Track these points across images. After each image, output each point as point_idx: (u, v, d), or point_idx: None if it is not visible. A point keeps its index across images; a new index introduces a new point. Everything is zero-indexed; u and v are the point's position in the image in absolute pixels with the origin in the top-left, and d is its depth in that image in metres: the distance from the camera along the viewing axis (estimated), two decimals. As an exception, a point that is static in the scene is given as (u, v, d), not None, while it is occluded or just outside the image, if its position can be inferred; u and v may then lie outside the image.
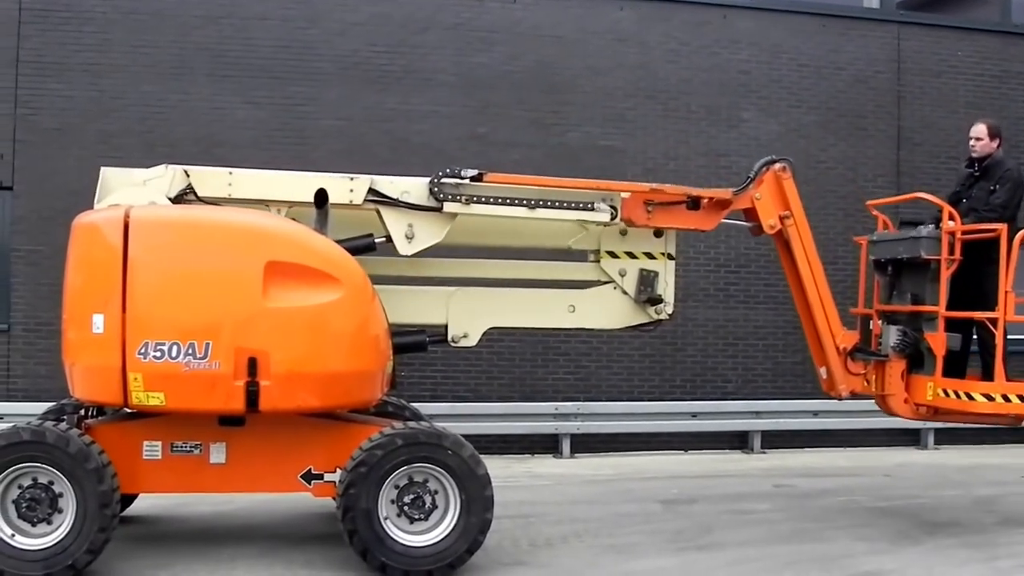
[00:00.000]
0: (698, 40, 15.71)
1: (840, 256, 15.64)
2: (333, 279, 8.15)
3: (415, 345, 9.57)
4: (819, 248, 15.31)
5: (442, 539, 8.32)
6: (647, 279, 9.74)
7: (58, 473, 7.85)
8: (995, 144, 10.44)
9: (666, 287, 9.83)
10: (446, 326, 9.53)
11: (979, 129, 10.48)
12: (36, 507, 7.89)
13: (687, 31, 15.68)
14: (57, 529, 7.90)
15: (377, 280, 8.76)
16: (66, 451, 7.81)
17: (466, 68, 14.90)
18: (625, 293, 9.80)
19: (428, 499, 8.36)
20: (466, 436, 8.63)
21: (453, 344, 9.61)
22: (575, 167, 13.99)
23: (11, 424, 8.22)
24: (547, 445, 14.97)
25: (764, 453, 15.41)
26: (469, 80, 14.89)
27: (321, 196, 8.56)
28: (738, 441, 15.68)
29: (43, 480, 7.89)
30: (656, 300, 9.80)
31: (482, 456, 8.54)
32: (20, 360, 13.65)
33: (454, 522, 8.34)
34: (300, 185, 8.88)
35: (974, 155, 10.51)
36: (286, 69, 14.37)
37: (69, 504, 7.88)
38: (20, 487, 7.91)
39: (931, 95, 16.50)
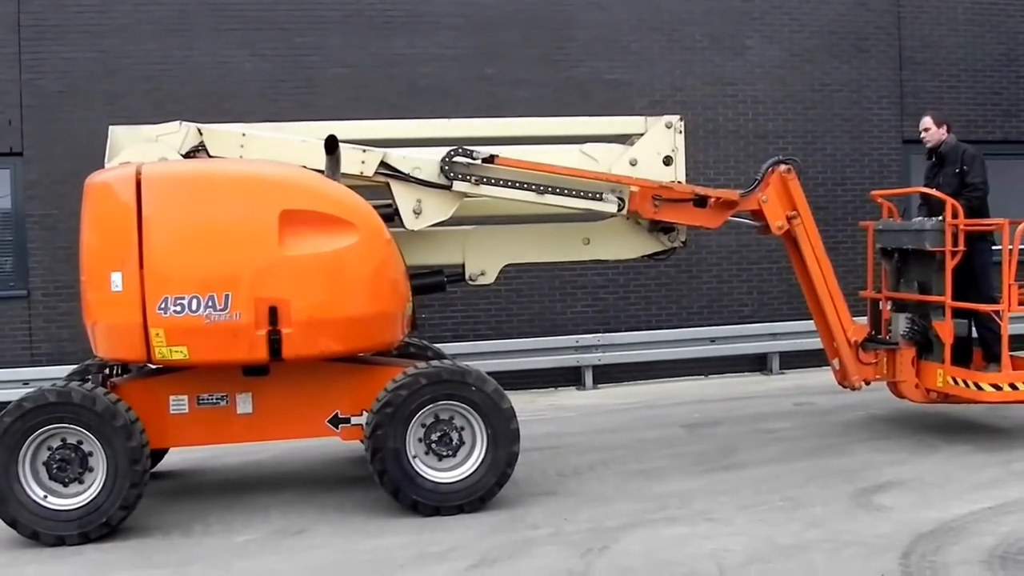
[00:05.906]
0: (698, -32, 15.59)
1: (848, 177, 15.71)
2: (348, 224, 8.18)
3: (434, 285, 9.67)
4: (828, 170, 15.49)
5: (471, 474, 8.45)
6: (659, 207, 9.74)
7: (86, 432, 7.95)
8: (943, 131, 10.88)
9: (677, 215, 9.85)
10: (463, 265, 9.64)
11: (925, 121, 11.01)
12: (67, 467, 8.00)
13: (687, -41, 15.54)
14: (89, 488, 8.01)
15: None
16: (93, 410, 7.90)
17: (471, 9, 14.79)
18: (638, 223, 9.83)
19: (455, 436, 8.48)
20: (489, 373, 8.72)
21: (471, 283, 9.73)
22: (583, 103, 14.01)
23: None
24: (570, 378, 15.07)
25: (783, 373, 15.49)
26: (474, 21, 14.78)
27: (332, 143, 8.54)
28: (757, 363, 15.75)
29: (72, 440, 7.99)
30: (669, 228, 9.85)
31: (507, 392, 8.63)
32: (42, 325, 13.71)
33: (482, 457, 8.46)
34: (312, 150, 8.84)
35: (928, 145, 10.96)
36: (290, 19, 14.27)
37: (99, 462, 7.99)
38: (49, 448, 8.01)
39: (930, 14, 16.35)
